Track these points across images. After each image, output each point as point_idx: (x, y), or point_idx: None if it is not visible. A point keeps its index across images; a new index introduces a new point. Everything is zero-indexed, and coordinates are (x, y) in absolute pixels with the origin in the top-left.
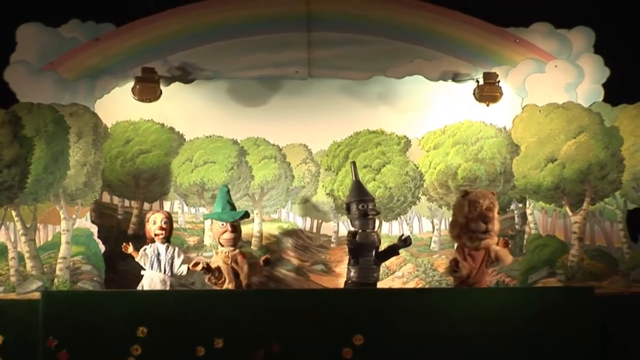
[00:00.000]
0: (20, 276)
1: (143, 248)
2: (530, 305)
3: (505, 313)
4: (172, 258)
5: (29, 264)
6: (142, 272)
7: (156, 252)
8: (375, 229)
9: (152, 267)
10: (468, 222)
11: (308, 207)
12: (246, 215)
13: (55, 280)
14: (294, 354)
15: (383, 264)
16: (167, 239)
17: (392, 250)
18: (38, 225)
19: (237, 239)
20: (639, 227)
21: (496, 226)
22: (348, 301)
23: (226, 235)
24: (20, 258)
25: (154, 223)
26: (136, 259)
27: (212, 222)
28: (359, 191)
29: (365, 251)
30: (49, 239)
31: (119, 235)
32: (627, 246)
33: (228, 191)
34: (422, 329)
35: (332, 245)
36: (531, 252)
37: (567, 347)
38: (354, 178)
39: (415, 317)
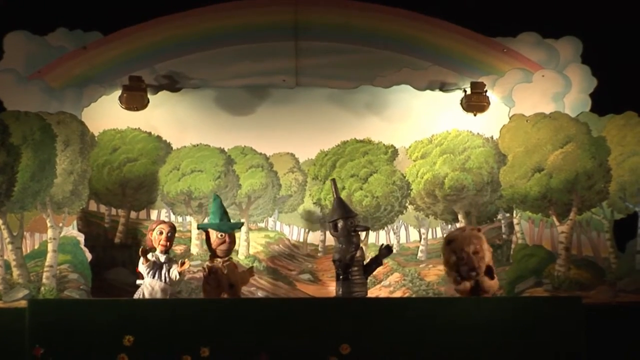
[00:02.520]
0: (7, 284)
1: (149, 256)
2: (517, 314)
3: (492, 322)
4: (170, 267)
5: (15, 272)
6: (138, 282)
7: (158, 261)
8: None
9: (153, 276)
10: (457, 266)
11: (295, 216)
12: (241, 225)
13: (42, 288)
14: None
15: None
16: (167, 251)
17: (376, 261)
18: (25, 233)
19: (232, 249)
20: (625, 237)
21: (486, 258)
22: (335, 310)
23: (224, 246)
24: (7, 266)
25: (160, 233)
26: (143, 265)
27: (207, 232)
28: (344, 208)
29: (354, 266)
30: (36, 247)
31: (105, 243)
32: (614, 256)
33: (221, 201)
34: (408, 338)
35: (319, 254)
36: (518, 261)
37: (553, 356)
38: (335, 195)
39: (401, 327)
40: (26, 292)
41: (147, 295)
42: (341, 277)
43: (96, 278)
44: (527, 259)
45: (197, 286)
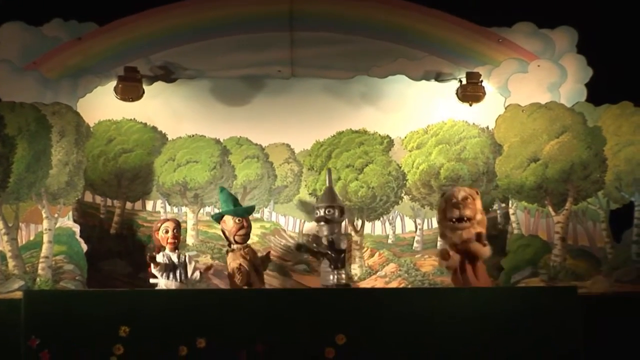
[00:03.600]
0: (2, 275)
1: (159, 257)
2: (513, 305)
3: (488, 313)
4: (185, 265)
5: (11, 263)
6: (152, 281)
7: (170, 261)
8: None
9: (168, 277)
10: (445, 215)
11: (290, 207)
12: (253, 209)
13: (38, 279)
14: (277, 353)
15: (365, 264)
16: (177, 247)
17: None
18: (20, 224)
19: (249, 234)
20: (621, 227)
21: (477, 216)
22: (331, 301)
23: (242, 231)
24: (2, 257)
25: (166, 232)
26: (154, 270)
27: (223, 222)
28: (329, 196)
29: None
30: (31, 238)
31: (101, 234)
32: (610, 246)
33: (229, 190)
34: (404, 328)
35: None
36: (514, 252)
37: (549, 346)
38: (327, 183)
39: (398, 317)
40: (22, 283)
41: None
42: (332, 264)
43: (92, 269)
44: (523, 249)
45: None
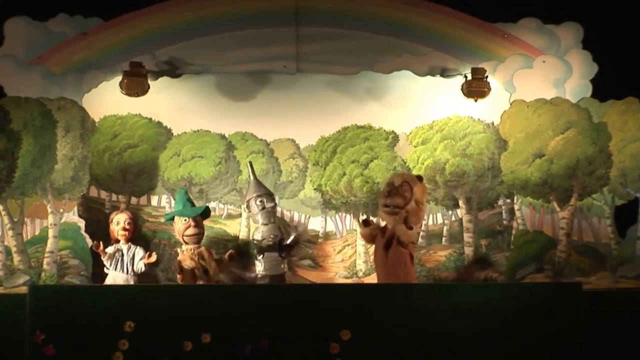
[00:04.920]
0: (8, 270)
1: (109, 249)
2: (518, 300)
3: (493, 308)
4: (133, 257)
5: (16, 258)
6: (106, 271)
7: (120, 253)
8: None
9: (115, 268)
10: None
11: (295, 202)
12: (207, 210)
13: (43, 274)
14: (281, 349)
15: (370, 260)
16: (130, 240)
17: (291, 245)
18: (25, 219)
19: (200, 236)
20: (626, 223)
21: (410, 205)
22: (335, 296)
23: (189, 231)
24: (8, 252)
25: (117, 224)
26: (103, 259)
27: (174, 222)
28: (259, 187)
29: (272, 247)
30: (37, 233)
31: (106, 229)
32: (615, 242)
33: (186, 192)
34: (409, 324)
35: (319, 240)
36: (519, 247)
37: (554, 342)
38: (251, 176)
39: (402, 313)
40: (27, 278)
41: None
42: (258, 255)
43: (96, 264)
44: (528, 245)
45: None
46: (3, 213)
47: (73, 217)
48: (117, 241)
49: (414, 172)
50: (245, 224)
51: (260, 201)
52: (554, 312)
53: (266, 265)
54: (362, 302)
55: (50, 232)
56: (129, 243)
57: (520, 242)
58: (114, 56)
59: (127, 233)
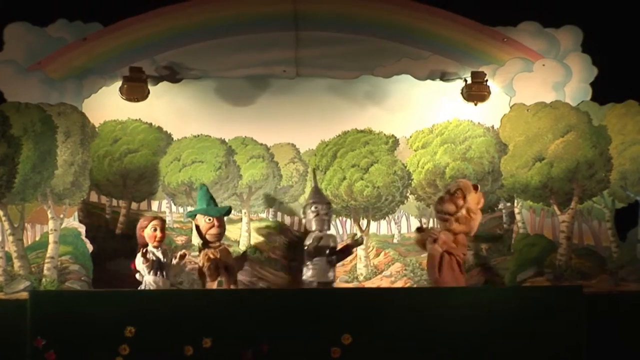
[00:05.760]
0: (8, 276)
1: (143, 253)
2: (519, 304)
3: (494, 312)
4: (170, 261)
5: (16, 263)
6: (138, 277)
7: (156, 258)
8: (330, 230)
9: (156, 274)
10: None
11: (296, 207)
12: (229, 210)
13: (43, 280)
14: (282, 353)
15: (370, 264)
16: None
17: (346, 250)
18: (26, 224)
19: (223, 234)
20: (627, 226)
21: (461, 212)
22: (336, 301)
23: (213, 230)
24: (8, 258)
25: (154, 229)
26: (142, 266)
27: (196, 220)
28: (315, 194)
29: (319, 252)
30: (37, 238)
31: (106, 234)
32: (615, 245)
33: (208, 189)
34: (410, 328)
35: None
36: (519, 251)
37: (555, 345)
38: (313, 183)
39: (403, 317)
40: (27, 284)
41: None
42: (307, 261)
43: (97, 269)
44: (529, 249)
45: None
46: (3, 219)
47: (73, 222)
48: (146, 245)
49: (414, 176)
50: (246, 229)
51: (315, 207)
52: (554, 315)
53: (314, 271)
54: (363, 306)
55: (51, 238)
56: (161, 248)
57: (521, 246)
58: (114, 61)
59: (163, 238)
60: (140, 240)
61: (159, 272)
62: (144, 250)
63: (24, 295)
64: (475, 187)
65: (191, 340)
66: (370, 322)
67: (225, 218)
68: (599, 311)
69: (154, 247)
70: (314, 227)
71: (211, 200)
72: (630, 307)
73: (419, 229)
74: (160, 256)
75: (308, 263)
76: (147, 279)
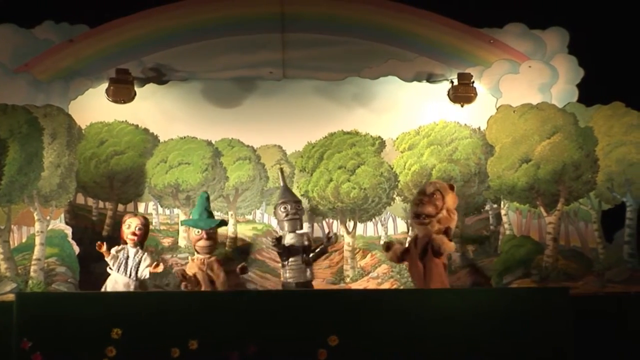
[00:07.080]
0: None
1: (114, 249)
2: (505, 305)
3: (480, 313)
4: (139, 262)
5: (3, 265)
6: (109, 271)
7: (125, 256)
8: (304, 230)
9: (118, 270)
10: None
11: None
12: (222, 223)
13: (30, 281)
14: (269, 355)
15: (357, 265)
16: (139, 244)
17: (321, 250)
18: (12, 226)
19: (212, 247)
20: (613, 227)
21: (442, 213)
22: (323, 302)
23: (201, 243)
24: None
25: (128, 227)
26: (106, 259)
27: (188, 228)
28: (284, 194)
29: (293, 253)
30: (23, 240)
31: (93, 236)
32: (602, 247)
33: (208, 198)
34: (397, 329)
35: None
36: (506, 252)
37: (541, 347)
38: (281, 183)
39: (390, 318)
40: (14, 286)
41: (109, 288)
42: (282, 262)
43: (84, 271)
44: (515, 250)
45: None
46: None
47: (60, 224)
48: (126, 243)
49: (401, 178)
50: (232, 231)
51: (284, 208)
52: (541, 316)
53: (292, 272)
54: (349, 307)
55: (37, 240)
56: (137, 248)
57: (507, 247)
58: (100, 63)
59: (135, 238)
60: (121, 237)
61: (121, 270)
62: (99, 243)
63: (10, 297)
64: (452, 187)
65: (178, 342)
66: (357, 324)
67: None
68: (585, 312)
69: (130, 245)
70: (285, 228)
71: (205, 210)
72: (616, 309)
73: (387, 246)
74: (131, 255)
75: (284, 264)
76: (112, 274)
